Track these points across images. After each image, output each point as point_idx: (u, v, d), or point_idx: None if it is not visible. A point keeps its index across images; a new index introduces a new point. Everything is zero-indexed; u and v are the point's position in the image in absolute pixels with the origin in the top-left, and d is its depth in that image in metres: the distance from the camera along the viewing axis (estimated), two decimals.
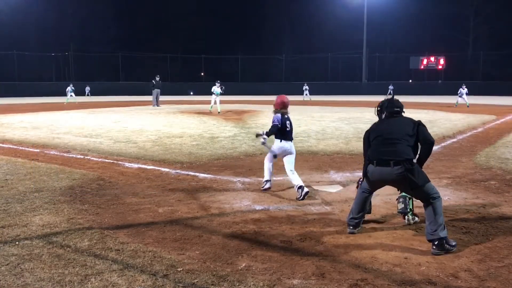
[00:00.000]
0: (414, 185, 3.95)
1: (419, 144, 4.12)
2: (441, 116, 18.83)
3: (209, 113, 19.91)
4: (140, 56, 55.12)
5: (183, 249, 3.87)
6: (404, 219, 4.58)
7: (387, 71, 55.05)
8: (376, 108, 4.48)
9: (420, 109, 22.44)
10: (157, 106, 25.51)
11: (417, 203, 4.31)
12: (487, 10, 51.87)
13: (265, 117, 17.75)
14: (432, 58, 50.34)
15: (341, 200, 5.52)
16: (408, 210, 4.55)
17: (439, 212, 3.90)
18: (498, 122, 16.79)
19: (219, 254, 3.76)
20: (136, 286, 3.15)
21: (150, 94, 26.70)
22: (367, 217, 4.64)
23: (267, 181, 6.00)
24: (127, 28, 61.17)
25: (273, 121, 5.89)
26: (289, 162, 5.88)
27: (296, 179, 5.68)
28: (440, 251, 3.75)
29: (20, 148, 9.80)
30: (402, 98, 5.42)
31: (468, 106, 24.73)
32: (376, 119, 4.51)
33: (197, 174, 7.02)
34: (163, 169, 7.39)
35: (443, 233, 3.80)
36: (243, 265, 3.53)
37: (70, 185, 6.17)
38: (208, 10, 62.11)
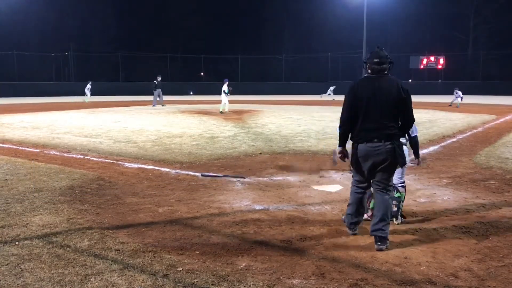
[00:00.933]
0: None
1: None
2: (441, 116, 18.84)
3: (209, 113, 19.90)
4: (140, 56, 55.08)
5: (183, 249, 3.87)
6: (392, 219, 4.62)
7: None
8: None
9: (420, 109, 22.43)
10: (162, 106, 25.33)
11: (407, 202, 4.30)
12: (487, 10, 51.83)
13: (265, 117, 17.76)
14: (432, 58, 50.28)
15: (341, 200, 5.52)
16: (399, 213, 4.59)
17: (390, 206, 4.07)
18: (498, 121, 16.80)
19: (219, 254, 3.76)
20: (136, 286, 3.15)
21: (151, 94, 26.71)
22: (367, 217, 4.65)
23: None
24: (127, 28, 61.10)
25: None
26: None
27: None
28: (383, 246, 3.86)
29: (20, 148, 9.80)
30: None
31: (458, 106, 24.78)
32: None
33: (197, 174, 7.02)
34: (163, 169, 7.39)
35: (388, 230, 3.95)
36: (243, 265, 3.53)
37: (70, 185, 6.17)
38: (208, 10, 62.06)
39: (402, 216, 4.63)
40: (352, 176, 4.31)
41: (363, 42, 47.56)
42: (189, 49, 57.43)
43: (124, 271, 3.38)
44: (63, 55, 54.90)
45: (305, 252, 3.82)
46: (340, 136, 4.16)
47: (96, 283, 3.18)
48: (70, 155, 8.82)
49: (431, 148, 9.88)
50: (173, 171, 7.22)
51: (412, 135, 4.68)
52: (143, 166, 7.69)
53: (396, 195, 4.64)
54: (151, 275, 3.31)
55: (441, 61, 50.01)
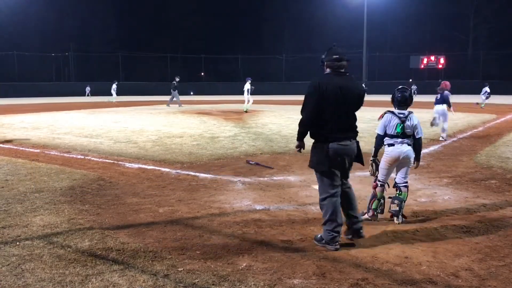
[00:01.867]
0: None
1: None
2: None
3: (208, 113, 19.90)
4: (140, 56, 55.12)
5: (184, 249, 3.87)
6: (393, 218, 4.62)
7: (387, 71, 55.04)
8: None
9: (420, 109, 22.39)
10: (179, 106, 25.05)
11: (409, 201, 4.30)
12: (487, 10, 51.84)
13: (265, 117, 17.75)
14: (432, 58, 50.37)
15: None
16: (401, 213, 4.59)
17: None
18: (498, 121, 16.80)
19: (219, 254, 3.76)
20: (137, 286, 3.15)
21: (151, 94, 26.75)
22: (367, 217, 4.66)
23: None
24: (127, 28, 61.15)
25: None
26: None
27: None
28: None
29: (21, 148, 9.80)
30: None
31: (482, 107, 24.12)
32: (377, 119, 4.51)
33: (197, 174, 7.02)
34: (163, 169, 7.40)
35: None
36: (244, 265, 3.53)
37: (70, 186, 6.17)
38: (208, 10, 62.10)
39: (403, 216, 4.63)
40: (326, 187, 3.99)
41: (363, 42, 47.55)
42: (189, 49, 57.48)
43: (125, 271, 3.38)
44: (63, 55, 54.97)
45: (306, 252, 3.82)
46: (300, 133, 4.06)
47: (97, 283, 3.18)
48: (71, 156, 8.82)
49: (432, 148, 9.88)
50: (173, 171, 7.22)
51: (417, 137, 4.65)
52: (143, 166, 7.69)
53: (399, 195, 4.63)
54: (152, 275, 3.31)
55: (441, 60, 50.07)
